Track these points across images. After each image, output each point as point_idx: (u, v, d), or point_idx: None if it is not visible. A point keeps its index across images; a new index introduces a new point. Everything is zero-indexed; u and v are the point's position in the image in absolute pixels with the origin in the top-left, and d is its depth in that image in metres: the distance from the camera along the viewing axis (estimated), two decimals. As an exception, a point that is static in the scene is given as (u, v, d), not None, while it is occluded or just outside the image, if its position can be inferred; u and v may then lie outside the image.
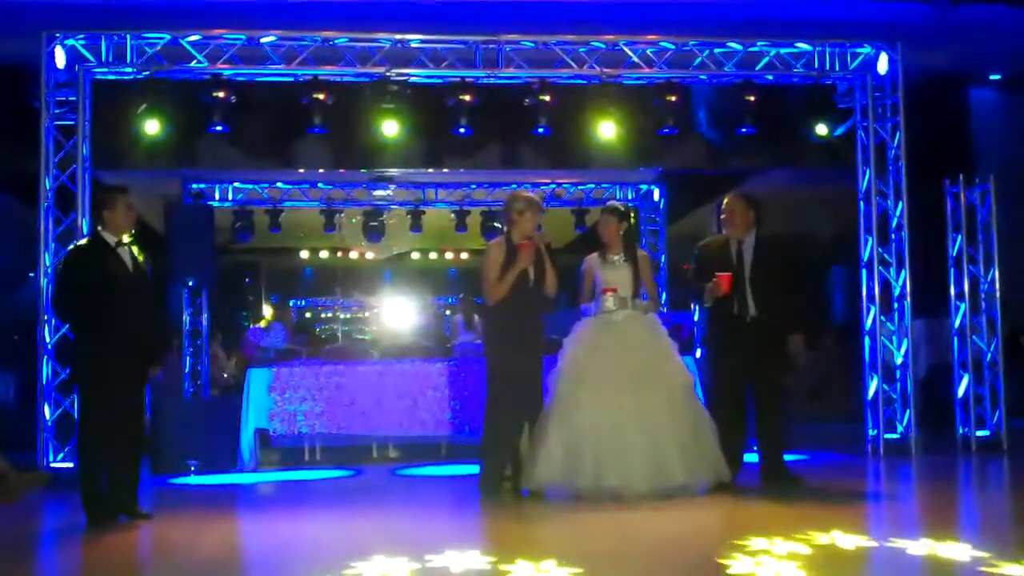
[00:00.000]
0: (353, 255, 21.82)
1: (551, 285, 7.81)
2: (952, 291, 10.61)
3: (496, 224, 14.13)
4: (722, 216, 8.12)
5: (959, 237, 10.58)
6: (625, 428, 7.39)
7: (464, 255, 21.60)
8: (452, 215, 15.24)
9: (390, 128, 10.72)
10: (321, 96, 10.36)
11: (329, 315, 23.61)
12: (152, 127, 10.58)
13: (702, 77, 10.85)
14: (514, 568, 5.03)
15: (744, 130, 11.00)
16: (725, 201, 8.12)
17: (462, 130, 10.73)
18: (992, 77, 13.98)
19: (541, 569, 4.99)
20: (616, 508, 6.98)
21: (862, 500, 7.86)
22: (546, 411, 7.63)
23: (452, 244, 20.82)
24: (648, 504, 7.05)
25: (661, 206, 14.98)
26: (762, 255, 7.93)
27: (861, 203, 10.47)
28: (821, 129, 11.49)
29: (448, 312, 20.89)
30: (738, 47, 10.37)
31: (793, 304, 7.89)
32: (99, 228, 7.13)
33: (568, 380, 7.62)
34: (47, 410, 9.32)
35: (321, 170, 13.65)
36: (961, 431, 10.44)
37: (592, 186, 14.87)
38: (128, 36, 9.82)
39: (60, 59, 9.60)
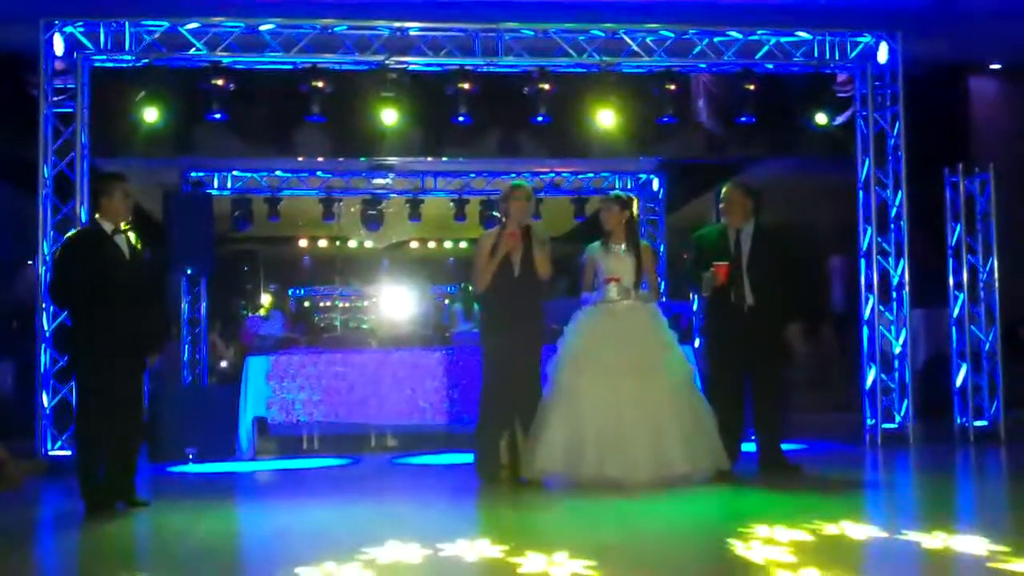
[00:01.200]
0: (352, 244, 21.80)
1: (542, 269, 7.80)
2: (951, 281, 10.60)
3: (495, 213, 14.13)
4: (721, 205, 8.13)
5: (958, 227, 10.57)
6: (627, 417, 7.39)
7: (463, 244, 21.59)
8: (451, 204, 15.22)
9: (389, 116, 10.70)
10: (320, 84, 10.34)
11: (328, 304, 23.64)
12: (151, 115, 10.57)
13: (702, 66, 10.84)
14: (516, 558, 5.03)
15: (744, 119, 10.99)
16: (724, 190, 8.13)
17: (461, 118, 10.71)
18: (992, 66, 13.95)
19: (545, 560, 4.99)
20: (615, 497, 6.98)
21: (859, 489, 7.86)
22: (546, 399, 7.64)
23: (451, 233, 20.81)
24: (648, 493, 7.05)
25: (660, 195, 14.95)
26: (760, 244, 7.94)
27: (860, 192, 10.46)
28: (821, 118, 11.47)
29: (447, 301, 20.90)
30: (738, 36, 10.36)
31: (791, 293, 7.91)
32: (97, 216, 7.12)
33: (570, 368, 7.62)
34: (45, 398, 9.32)
35: (320, 158, 13.62)
36: (959, 421, 10.44)
37: (591, 175, 14.85)
38: (127, 23, 9.80)
39: (58, 46, 9.58)
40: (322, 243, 21.58)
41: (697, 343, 13.35)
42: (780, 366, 8.23)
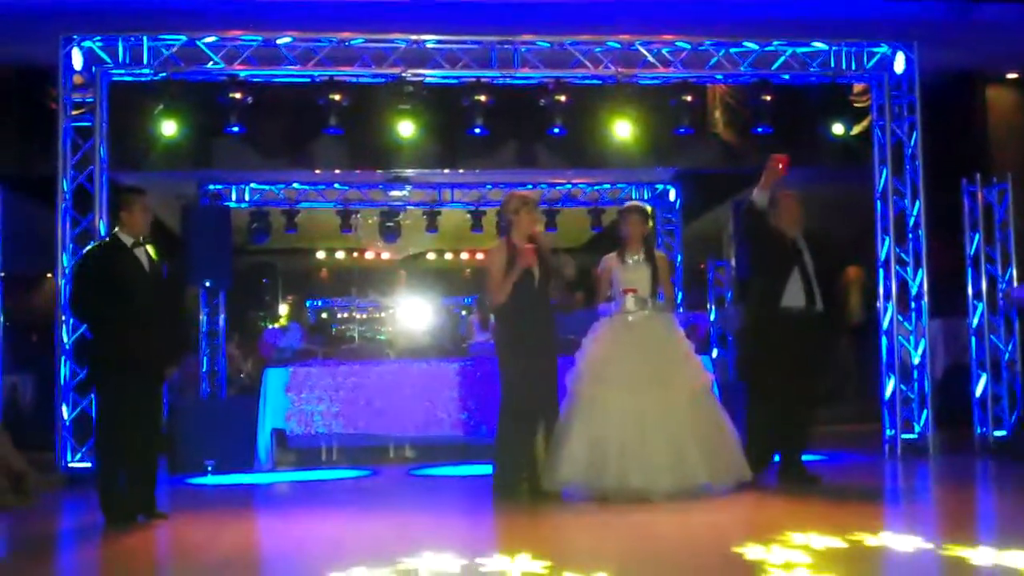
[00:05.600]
0: (369, 255, 21.83)
1: (558, 296, 7.85)
2: (970, 291, 10.56)
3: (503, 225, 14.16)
4: (778, 211, 8.00)
5: (977, 236, 10.53)
6: (649, 428, 7.37)
7: (480, 255, 21.54)
8: (468, 215, 15.25)
9: (406, 128, 10.73)
10: (337, 97, 10.36)
11: (345, 315, 23.62)
12: (169, 128, 10.62)
13: (718, 77, 10.85)
14: (531, 570, 5.03)
15: (760, 130, 10.96)
16: (782, 196, 8.03)
17: (478, 130, 10.72)
18: (1009, 75, 13.91)
19: (557, 570, 4.99)
20: (631, 508, 6.98)
21: (880, 500, 7.84)
22: (566, 411, 7.62)
23: (468, 244, 20.83)
24: (665, 504, 7.04)
25: (677, 206, 14.94)
26: (811, 253, 7.95)
27: (878, 202, 10.44)
28: (837, 128, 11.45)
29: (464, 312, 20.88)
30: (754, 47, 10.35)
31: (836, 302, 7.90)
32: (116, 229, 7.16)
33: (590, 380, 7.60)
34: (65, 410, 9.36)
35: (337, 171, 13.68)
36: (979, 431, 10.38)
37: (608, 186, 14.85)
38: (145, 38, 9.85)
39: (77, 61, 9.64)
40: (339, 255, 21.62)
41: (715, 353, 13.34)
42: (821, 375, 8.22)
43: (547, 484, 7.49)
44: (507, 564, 5.20)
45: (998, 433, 10.31)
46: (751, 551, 5.33)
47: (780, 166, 7.73)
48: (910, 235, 10.33)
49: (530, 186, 13.82)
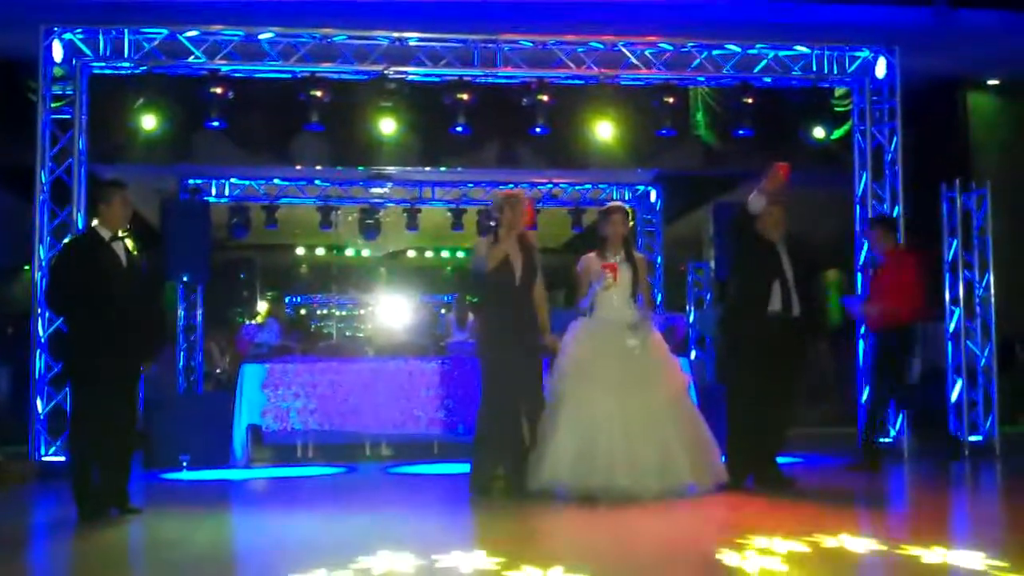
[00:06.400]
0: (349, 252, 21.81)
1: (540, 297, 7.86)
2: (947, 296, 10.59)
3: (492, 224, 14.14)
4: (765, 221, 8.02)
5: (955, 242, 10.56)
6: (634, 429, 7.37)
7: (460, 254, 21.59)
8: (449, 213, 15.26)
9: (387, 126, 10.73)
10: (319, 93, 10.35)
11: (324, 312, 23.64)
12: (149, 122, 10.60)
13: (700, 79, 10.87)
14: (506, 569, 5.02)
15: (742, 132, 10.99)
16: (766, 207, 8.05)
17: (459, 129, 10.73)
18: (990, 82, 13.99)
19: (534, 569, 4.98)
20: (608, 508, 6.97)
21: (854, 503, 7.86)
22: (549, 410, 7.61)
23: (448, 242, 20.83)
24: (641, 504, 7.04)
25: (658, 207, 14.97)
26: (792, 258, 7.98)
27: (857, 207, 10.48)
28: (818, 132, 11.48)
29: (443, 311, 20.90)
30: (736, 49, 10.38)
31: (814, 306, 7.93)
32: (95, 222, 7.12)
33: (573, 379, 7.58)
34: (40, 403, 9.31)
35: (318, 167, 13.65)
36: (954, 436, 10.41)
37: (589, 186, 14.89)
38: (126, 31, 9.82)
39: (58, 53, 9.60)
40: (319, 251, 21.59)
41: (693, 355, 13.36)
42: (796, 379, 8.25)
43: (531, 483, 7.46)
44: (480, 562, 5.19)
45: (973, 438, 10.35)
46: (726, 552, 5.33)
47: (783, 173, 7.76)
48: (889, 240, 10.34)
49: (512, 185, 13.81)
